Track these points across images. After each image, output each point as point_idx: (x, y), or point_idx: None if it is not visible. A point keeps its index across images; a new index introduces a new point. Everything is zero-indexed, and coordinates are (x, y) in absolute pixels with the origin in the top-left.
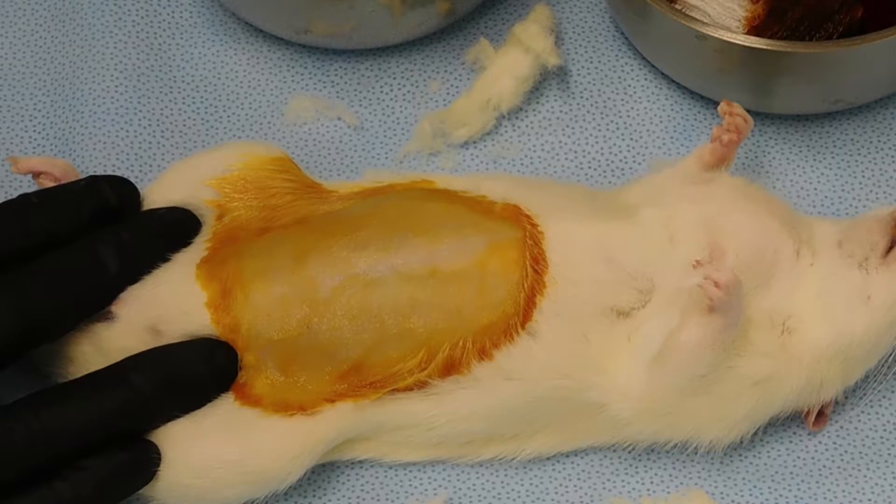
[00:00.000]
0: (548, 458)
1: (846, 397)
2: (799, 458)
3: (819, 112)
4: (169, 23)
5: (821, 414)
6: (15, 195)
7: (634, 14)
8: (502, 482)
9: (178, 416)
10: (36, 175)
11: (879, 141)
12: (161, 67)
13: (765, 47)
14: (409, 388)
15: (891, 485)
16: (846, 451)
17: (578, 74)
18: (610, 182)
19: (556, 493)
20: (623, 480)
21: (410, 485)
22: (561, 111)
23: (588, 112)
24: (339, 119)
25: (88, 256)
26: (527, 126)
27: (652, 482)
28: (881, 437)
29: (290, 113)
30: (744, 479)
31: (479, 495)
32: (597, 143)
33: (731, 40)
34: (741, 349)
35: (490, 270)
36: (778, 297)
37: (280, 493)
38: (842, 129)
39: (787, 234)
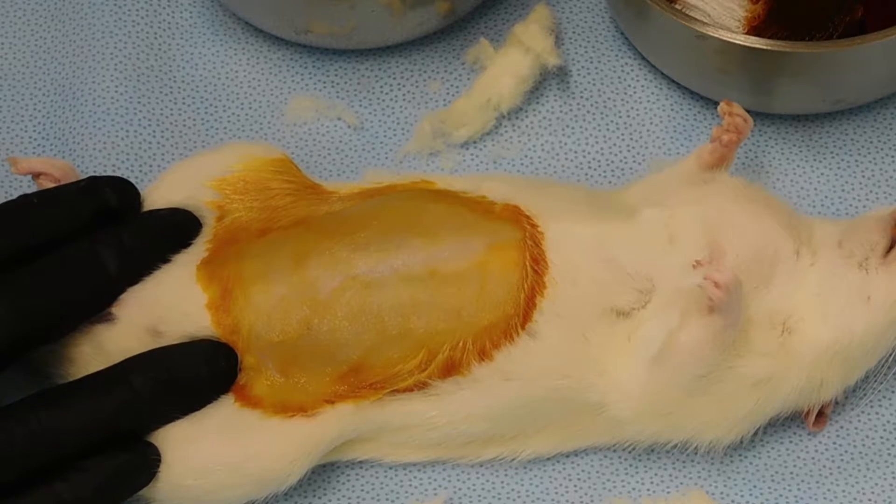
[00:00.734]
0: (548, 459)
1: (846, 397)
2: (799, 458)
3: (819, 112)
4: (169, 23)
5: (821, 414)
6: (15, 195)
7: (634, 14)
8: (502, 482)
9: (178, 418)
10: (36, 175)
11: (879, 141)
12: (161, 67)
13: (765, 47)
14: (409, 389)
15: (891, 485)
16: (846, 451)
17: (578, 74)
18: (610, 182)
19: (556, 493)
20: (623, 480)
21: (410, 485)
22: (561, 111)
23: (588, 112)
24: (339, 119)
25: (89, 257)
26: (527, 126)
27: (652, 482)
28: (881, 437)
29: (290, 113)
30: (744, 479)
31: (479, 495)
32: (597, 143)
33: (731, 40)
34: (741, 349)
35: (490, 271)
36: (778, 297)
37: (280, 494)
38: (842, 129)
39: (787, 234)
